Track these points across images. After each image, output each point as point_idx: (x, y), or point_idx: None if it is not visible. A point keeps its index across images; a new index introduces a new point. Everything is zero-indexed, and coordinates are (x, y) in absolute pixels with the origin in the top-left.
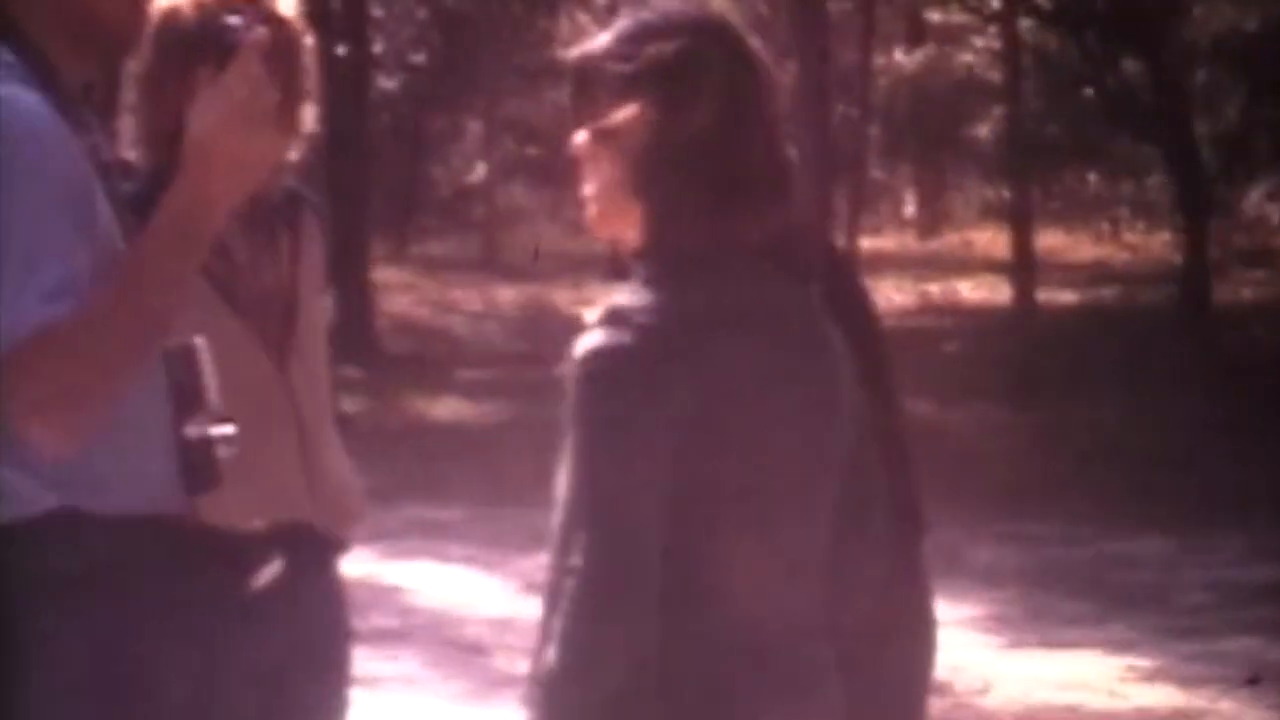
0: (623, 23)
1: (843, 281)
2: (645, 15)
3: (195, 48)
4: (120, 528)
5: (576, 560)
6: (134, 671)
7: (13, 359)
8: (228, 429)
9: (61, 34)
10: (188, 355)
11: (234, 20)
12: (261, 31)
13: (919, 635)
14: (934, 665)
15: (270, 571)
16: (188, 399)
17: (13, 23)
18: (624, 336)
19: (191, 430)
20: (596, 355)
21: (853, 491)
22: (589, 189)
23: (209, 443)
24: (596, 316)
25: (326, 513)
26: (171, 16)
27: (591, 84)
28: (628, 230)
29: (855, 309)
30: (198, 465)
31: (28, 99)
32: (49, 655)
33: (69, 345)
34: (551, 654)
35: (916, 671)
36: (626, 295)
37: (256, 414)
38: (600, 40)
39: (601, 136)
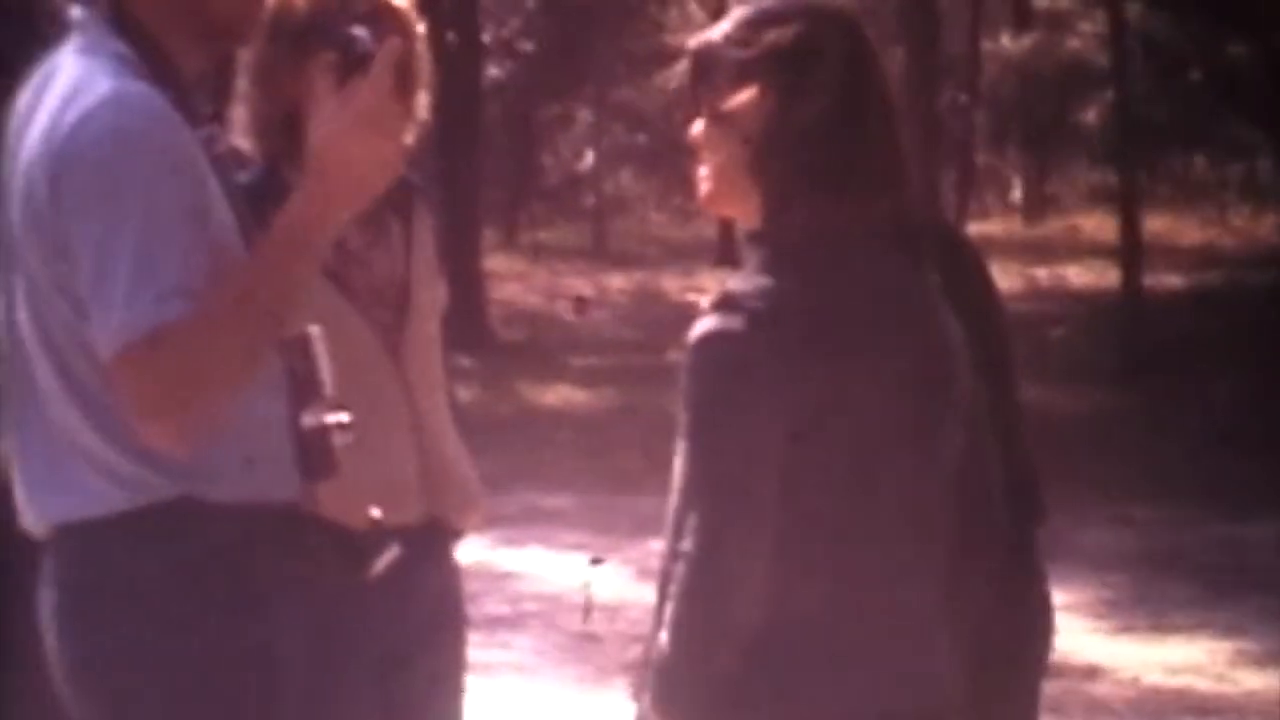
0: (742, 9)
1: (964, 266)
2: (765, 2)
3: (309, 38)
4: (239, 516)
5: (687, 544)
6: (254, 656)
7: (128, 358)
8: (343, 417)
9: (177, 27)
10: (304, 344)
11: (360, 31)
12: (395, 43)
13: (1035, 621)
14: (1049, 650)
15: (387, 559)
16: (304, 388)
17: (130, 16)
18: (736, 322)
19: (308, 419)
20: (709, 341)
21: (968, 479)
22: (705, 170)
23: (325, 431)
24: (710, 302)
25: (442, 501)
26: (285, 6)
27: (711, 69)
28: (742, 212)
29: (976, 294)
30: (314, 454)
31: (144, 93)
32: (172, 637)
33: (185, 347)
34: (664, 638)
35: (1032, 656)
36: (739, 280)
37: (371, 403)
38: (720, 27)
39: (720, 120)
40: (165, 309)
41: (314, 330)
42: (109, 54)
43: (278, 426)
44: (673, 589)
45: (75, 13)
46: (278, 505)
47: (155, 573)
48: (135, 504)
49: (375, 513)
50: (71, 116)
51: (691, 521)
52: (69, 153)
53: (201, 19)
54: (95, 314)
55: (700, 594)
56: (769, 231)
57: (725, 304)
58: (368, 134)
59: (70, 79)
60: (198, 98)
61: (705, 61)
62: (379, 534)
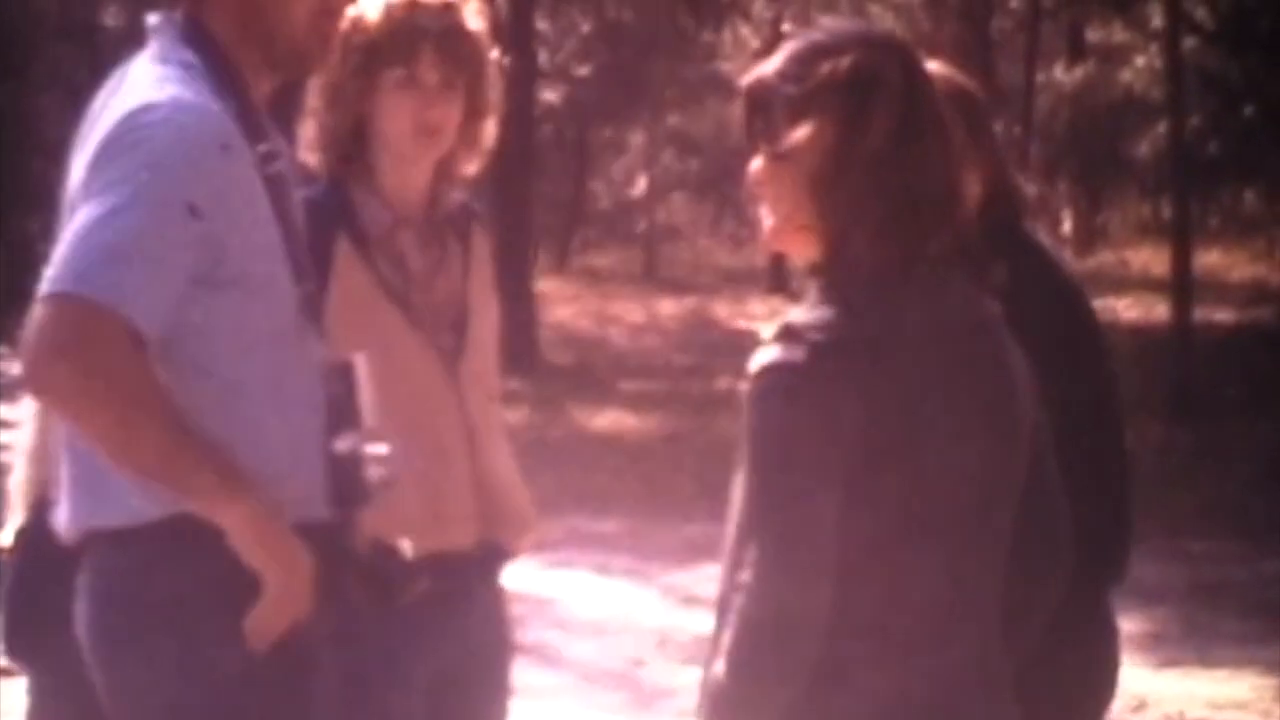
0: (793, 44)
1: (1056, 295)
2: (815, 35)
3: (379, 55)
4: None
5: (745, 575)
6: (280, 671)
7: (50, 300)
8: (381, 449)
9: (247, 47)
10: (346, 371)
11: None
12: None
13: (1095, 671)
14: (1109, 701)
15: (414, 591)
16: (342, 414)
17: (202, 28)
18: (797, 353)
19: (341, 444)
20: (769, 371)
21: (1031, 514)
22: (767, 210)
23: (358, 459)
24: (772, 332)
25: (496, 524)
26: (358, 23)
27: (766, 107)
28: (806, 248)
29: (1067, 326)
30: (345, 480)
31: (200, 105)
32: (199, 654)
33: (98, 347)
34: (719, 669)
35: (1090, 705)
36: (802, 312)
37: (431, 425)
38: (771, 62)
39: (779, 158)
40: (112, 292)
41: (359, 358)
42: (178, 62)
43: (311, 450)
44: (730, 620)
45: (151, 20)
46: (304, 528)
47: (181, 590)
48: (164, 514)
49: (406, 548)
50: (124, 110)
51: (751, 553)
52: (109, 140)
53: (269, 47)
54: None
55: (759, 627)
56: (831, 263)
57: (786, 335)
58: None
59: (137, 80)
60: (264, 115)
61: (759, 99)
62: (408, 565)
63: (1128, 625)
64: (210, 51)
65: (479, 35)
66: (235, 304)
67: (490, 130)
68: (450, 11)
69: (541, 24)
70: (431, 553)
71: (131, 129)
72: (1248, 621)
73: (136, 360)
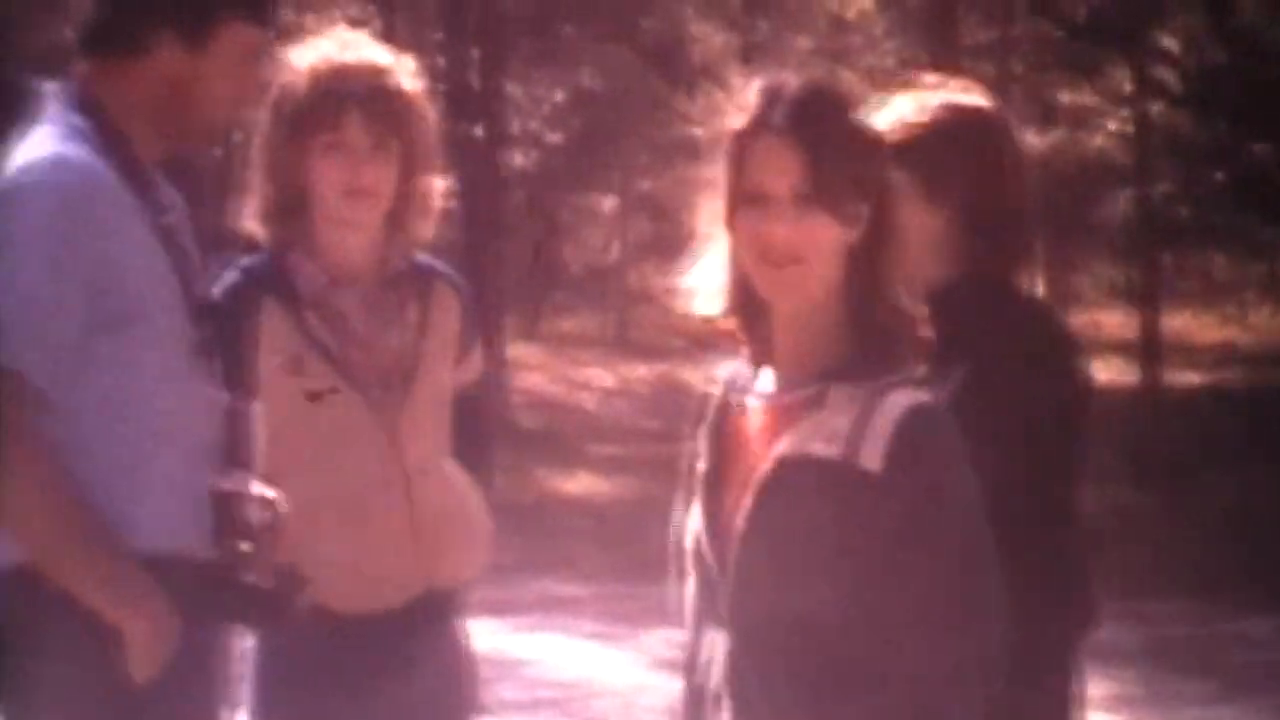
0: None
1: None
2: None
3: (306, 122)
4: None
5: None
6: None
7: None
8: (268, 493)
9: (146, 118)
10: (241, 417)
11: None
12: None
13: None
14: None
15: (300, 604)
16: (232, 456)
17: (92, 94)
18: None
19: (225, 484)
20: (934, 409)
21: None
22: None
23: (240, 498)
24: (886, 383)
25: (439, 570)
26: (286, 91)
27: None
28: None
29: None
30: (225, 517)
31: (82, 158)
32: (62, 681)
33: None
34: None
35: None
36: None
37: (361, 481)
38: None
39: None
40: (19, 357)
41: (256, 407)
42: (65, 124)
43: (195, 487)
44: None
45: (48, 87)
46: (190, 561)
47: (64, 628)
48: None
49: (365, 603)
50: (8, 172)
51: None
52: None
53: (180, 123)
54: None
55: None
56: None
57: (917, 383)
58: None
59: (28, 143)
60: (153, 176)
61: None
62: (288, 583)
63: (1091, 688)
64: (98, 117)
65: (412, 95)
66: (127, 347)
67: (435, 189)
68: (379, 73)
69: (513, 90)
70: (359, 614)
71: (16, 188)
72: (1210, 682)
73: (32, 432)
